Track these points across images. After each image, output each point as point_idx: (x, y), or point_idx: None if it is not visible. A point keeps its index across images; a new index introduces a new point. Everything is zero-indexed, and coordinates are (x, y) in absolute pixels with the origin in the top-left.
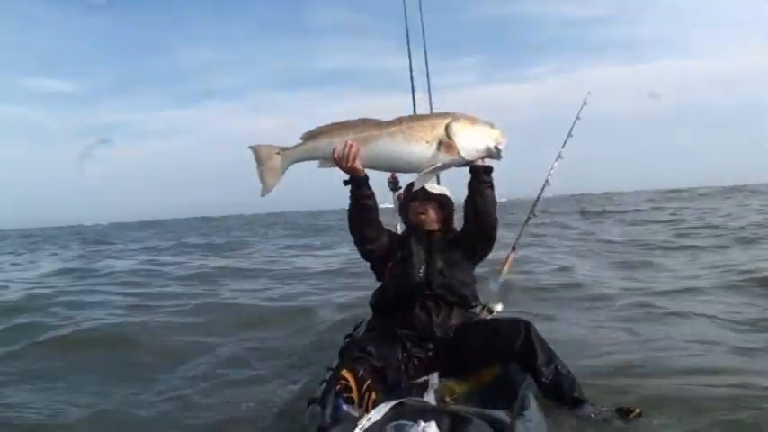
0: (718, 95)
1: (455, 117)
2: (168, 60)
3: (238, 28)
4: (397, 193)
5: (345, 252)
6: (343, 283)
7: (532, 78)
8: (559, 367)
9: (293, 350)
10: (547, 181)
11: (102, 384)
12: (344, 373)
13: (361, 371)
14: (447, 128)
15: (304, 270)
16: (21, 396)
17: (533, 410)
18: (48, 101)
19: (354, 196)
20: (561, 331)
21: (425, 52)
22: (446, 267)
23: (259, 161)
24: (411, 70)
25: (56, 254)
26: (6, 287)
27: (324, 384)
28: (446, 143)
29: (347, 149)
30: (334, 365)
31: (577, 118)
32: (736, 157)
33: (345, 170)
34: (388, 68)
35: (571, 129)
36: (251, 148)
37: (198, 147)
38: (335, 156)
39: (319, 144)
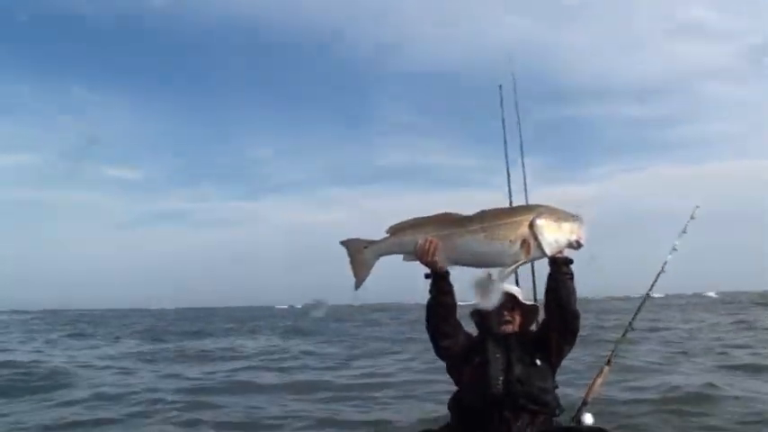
0: None
1: (539, 213)
2: (231, 153)
3: (298, 123)
4: None
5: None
6: None
7: (598, 178)
8: None
9: None
10: (648, 295)
11: None
12: None
13: None
14: (531, 225)
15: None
16: None
17: None
18: (118, 187)
19: (434, 291)
20: None
21: (522, 156)
22: (525, 374)
23: (351, 255)
24: (508, 174)
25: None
26: None
27: None
28: (530, 241)
29: (427, 245)
30: None
31: (684, 232)
32: None
33: (426, 264)
34: (448, 167)
35: (673, 247)
36: (342, 243)
37: (257, 238)
38: (416, 250)
39: (405, 239)
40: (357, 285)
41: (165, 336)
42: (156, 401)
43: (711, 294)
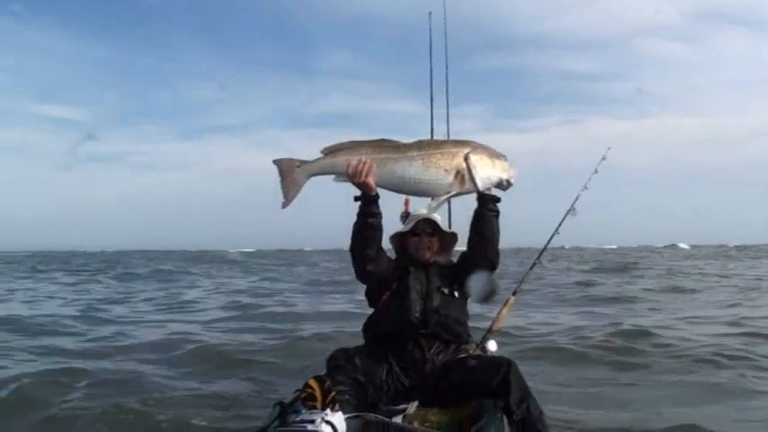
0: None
1: (474, 148)
2: (171, 94)
3: (241, 66)
4: None
5: None
6: None
7: (535, 129)
8: (531, 407)
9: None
10: (557, 231)
11: None
12: (311, 382)
13: (328, 382)
14: (467, 158)
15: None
16: None
17: None
18: (54, 127)
19: (362, 213)
20: None
21: (447, 101)
22: (442, 305)
23: (282, 174)
24: (432, 117)
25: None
26: None
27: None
28: (464, 173)
29: (362, 165)
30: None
31: (595, 171)
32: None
33: (357, 185)
34: (389, 112)
35: (587, 182)
36: (275, 162)
37: (198, 180)
38: (350, 170)
39: (338, 160)
40: (285, 204)
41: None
42: None
43: (684, 246)
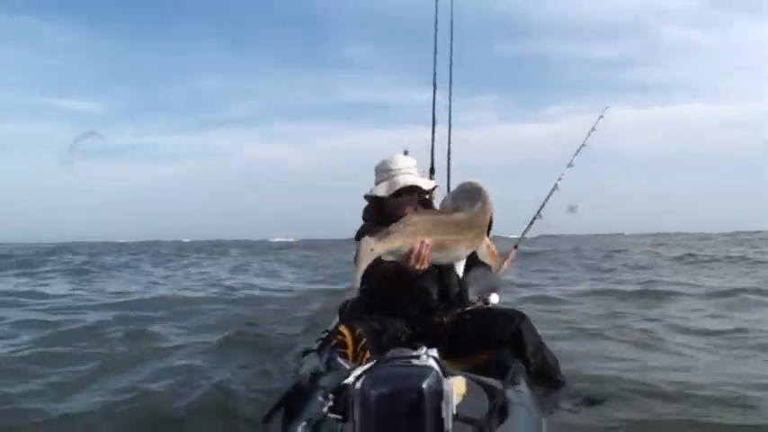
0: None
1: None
2: (183, 86)
3: (253, 58)
4: None
5: None
6: None
7: (553, 117)
8: (547, 357)
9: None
10: (539, 215)
11: None
12: (342, 329)
13: (359, 330)
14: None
15: None
16: None
17: (524, 384)
18: (67, 120)
19: None
20: None
21: (450, 87)
22: (451, 281)
23: (359, 258)
24: (434, 105)
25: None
26: None
27: (320, 341)
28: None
29: (426, 250)
30: (332, 326)
31: (583, 145)
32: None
33: (412, 269)
34: (404, 103)
35: (570, 163)
36: (357, 242)
37: (208, 172)
38: (412, 258)
39: (402, 243)
40: (355, 291)
41: None
42: None
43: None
